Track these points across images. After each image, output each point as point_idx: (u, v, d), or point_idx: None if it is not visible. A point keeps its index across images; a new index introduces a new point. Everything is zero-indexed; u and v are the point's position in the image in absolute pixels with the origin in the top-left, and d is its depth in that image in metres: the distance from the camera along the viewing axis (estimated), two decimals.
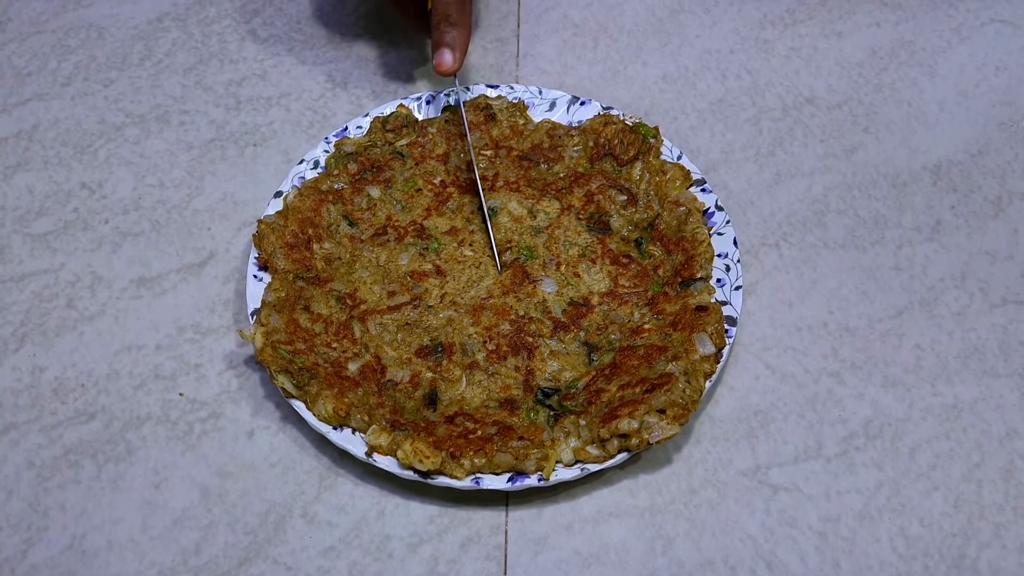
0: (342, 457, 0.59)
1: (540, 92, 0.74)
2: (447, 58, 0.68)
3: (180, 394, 0.61)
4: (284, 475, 0.58)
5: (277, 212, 0.66)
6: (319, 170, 0.70)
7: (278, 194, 0.68)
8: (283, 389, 0.58)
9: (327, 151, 0.71)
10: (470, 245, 0.66)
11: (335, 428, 0.58)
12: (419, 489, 0.58)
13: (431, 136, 0.72)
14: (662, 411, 0.56)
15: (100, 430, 0.60)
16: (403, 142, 0.71)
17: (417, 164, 0.71)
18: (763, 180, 0.71)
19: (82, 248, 0.69)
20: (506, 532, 0.57)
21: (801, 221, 0.69)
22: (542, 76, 0.78)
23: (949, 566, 0.55)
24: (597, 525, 0.57)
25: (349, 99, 0.77)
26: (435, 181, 0.70)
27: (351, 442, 0.57)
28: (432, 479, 0.56)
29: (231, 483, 0.58)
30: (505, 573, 0.55)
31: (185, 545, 0.56)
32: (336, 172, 0.69)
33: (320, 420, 0.57)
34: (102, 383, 0.62)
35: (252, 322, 0.62)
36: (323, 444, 0.60)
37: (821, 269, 0.67)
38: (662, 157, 0.69)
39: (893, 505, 0.57)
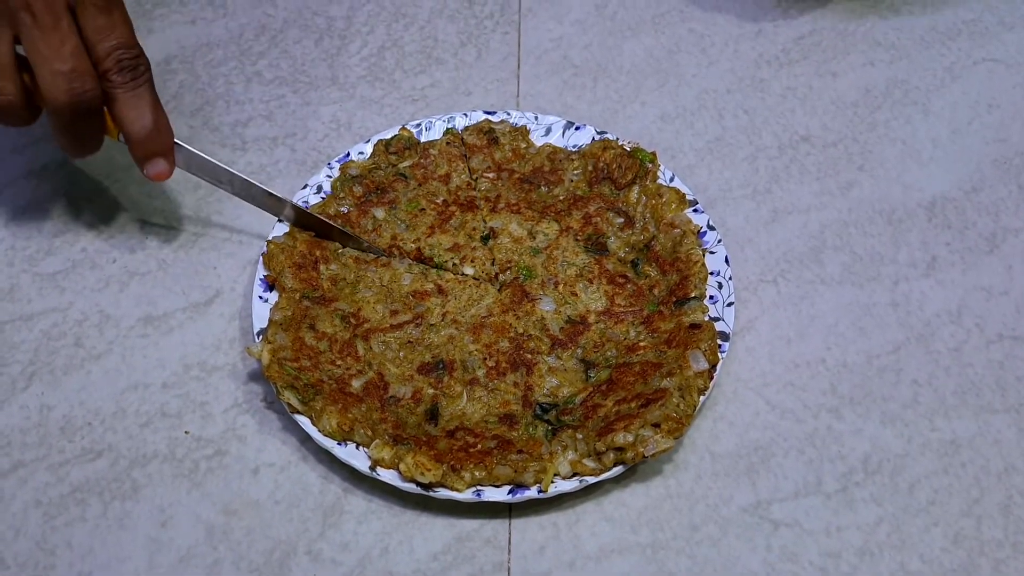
0: (346, 494, 0.60)
1: (536, 118, 0.76)
2: (161, 166, 0.65)
3: (186, 432, 0.62)
4: (288, 512, 0.59)
5: (286, 233, 0.69)
6: (322, 195, 0.72)
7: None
8: (288, 404, 0.60)
9: (329, 176, 0.73)
10: (471, 261, 0.68)
11: (339, 443, 0.59)
12: (422, 526, 0.58)
13: (433, 158, 0.74)
14: (657, 425, 0.57)
15: (106, 468, 0.61)
16: (406, 164, 0.74)
17: (420, 185, 0.73)
18: (760, 217, 0.73)
19: (90, 287, 0.70)
20: (509, 569, 0.57)
21: (798, 258, 0.70)
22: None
23: None
24: (600, 562, 0.57)
25: (353, 139, 0.78)
26: (437, 201, 0.72)
27: (355, 457, 0.58)
28: (434, 491, 0.57)
29: (236, 521, 0.59)
30: None
31: None
32: (342, 195, 0.71)
33: (324, 435, 0.59)
34: (109, 421, 0.63)
35: (257, 341, 0.63)
36: (328, 481, 0.60)
37: (819, 305, 0.68)
38: (658, 180, 0.71)
39: (893, 541, 0.57)
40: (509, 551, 0.58)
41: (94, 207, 0.74)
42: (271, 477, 0.60)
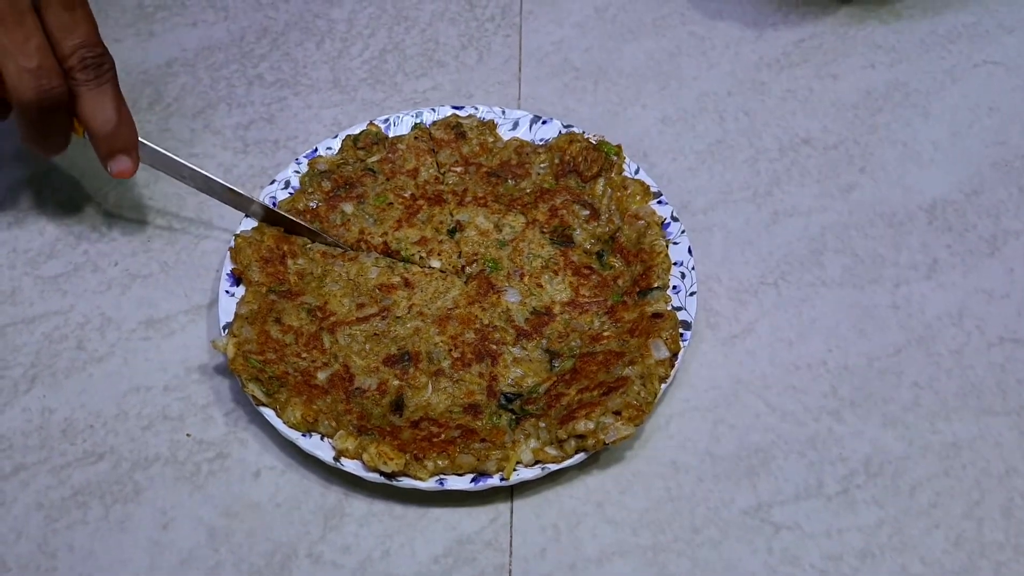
0: (347, 496, 0.60)
1: (504, 112, 0.76)
2: (125, 163, 0.65)
3: (188, 435, 0.62)
4: (289, 515, 0.59)
5: (254, 228, 0.69)
6: (291, 190, 0.72)
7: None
8: (253, 397, 0.60)
9: (297, 171, 0.73)
10: (438, 254, 0.69)
11: (304, 434, 0.59)
12: (424, 529, 0.58)
13: (401, 152, 0.74)
14: (618, 412, 0.58)
15: (108, 471, 0.61)
16: (374, 159, 0.74)
17: (388, 179, 0.73)
18: (761, 220, 0.73)
19: (92, 290, 0.70)
20: (510, 572, 0.57)
21: (799, 260, 0.70)
22: None
23: None
24: (601, 565, 0.57)
25: None
26: (405, 195, 0.72)
27: (319, 448, 0.59)
28: (397, 481, 0.57)
29: (237, 523, 0.59)
30: None
31: None
32: (311, 190, 0.72)
33: (289, 427, 0.59)
34: (111, 424, 0.63)
35: (224, 335, 0.63)
36: (328, 484, 0.60)
37: (820, 308, 0.68)
38: (624, 173, 0.71)
39: (894, 543, 0.57)
40: (510, 553, 0.58)
41: (96, 210, 0.74)
42: (272, 480, 0.60)
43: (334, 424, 0.59)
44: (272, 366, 0.61)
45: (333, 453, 0.58)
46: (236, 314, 0.64)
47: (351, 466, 0.58)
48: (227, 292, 0.66)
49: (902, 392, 0.63)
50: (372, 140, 0.74)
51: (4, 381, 0.65)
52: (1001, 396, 0.63)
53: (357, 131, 0.75)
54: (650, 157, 0.77)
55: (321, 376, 0.62)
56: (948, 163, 0.76)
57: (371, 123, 0.75)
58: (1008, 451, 0.61)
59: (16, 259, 0.71)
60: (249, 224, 0.70)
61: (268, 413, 0.60)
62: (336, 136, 0.75)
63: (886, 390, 0.64)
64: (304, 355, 0.63)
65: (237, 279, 0.67)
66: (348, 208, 0.71)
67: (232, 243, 0.68)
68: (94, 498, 0.60)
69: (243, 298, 0.65)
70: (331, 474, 0.60)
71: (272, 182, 0.72)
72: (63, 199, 0.75)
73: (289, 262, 0.68)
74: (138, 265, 0.71)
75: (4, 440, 0.62)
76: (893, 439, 0.61)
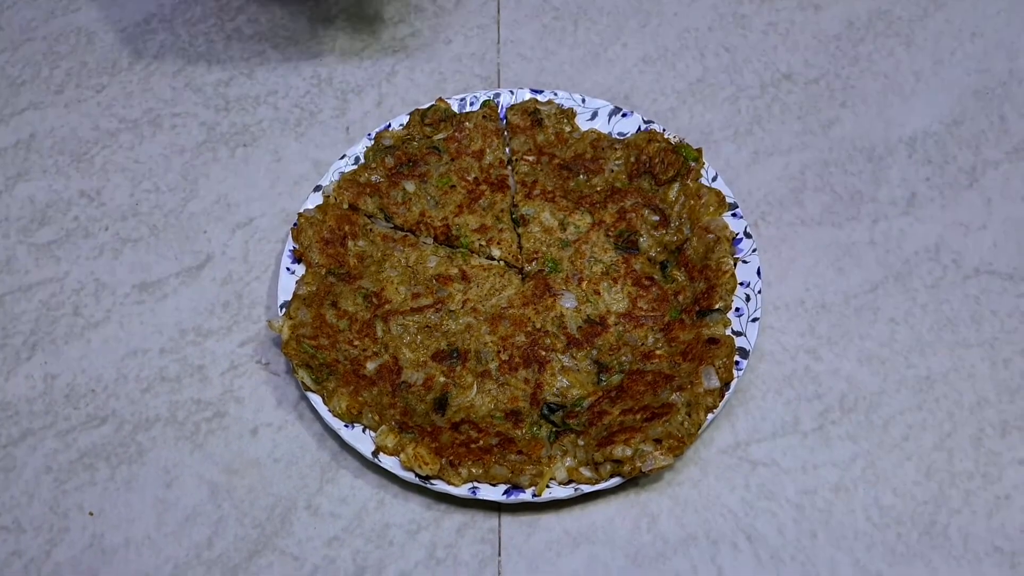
0: (343, 450, 0.62)
1: (584, 100, 0.74)
2: None
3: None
4: (288, 470, 0.62)
5: (317, 207, 0.69)
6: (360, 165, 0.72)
7: (317, 188, 0.70)
8: (302, 382, 0.61)
9: (368, 147, 0.72)
10: (498, 244, 0.68)
11: (347, 425, 0.60)
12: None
13: (468, 131, 0.73)
14: (659, 441, 0.57)
15: (111, 433, 0.63)
16: (440, 136, 0.73)
17: (452, 160, 0.72)
18: (741, 160, 0.73)
19: (84, 256, 0.71)
20: (499, 515, 0.60)
21: (778, 200, 0.71)
22: (523, 62, 0.80)
23: (921, 533, 0.58)
24: (585, 506, 0.59)
25: (335, 94, 0.78)
26: (469, 178, 0.71)
27: (360, 440, 0.60)
28: (431, 484, 0.58)
29: (238, 479, 0.61)
30: (499, 555, 0.58)
31: (198, 540, 0.59)
32: (374, 165, 0.71)
33: (334, 415, 0.60)
34: (111, 387, 0.65)
35: (281, 314, 0.64)
36: (324, 439, 0.62)
37: (798, 247, 0.69)
38: (700, 180, 0.69)
39: (867, 476, 0.60)
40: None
41: (83, 175, 0.75)
42: (269, 436, 0.63)
43: (377, 418, 0.60)
44: (324, 352, 0.62)
45: (372, 447, 0.59)
46: (294, 294, 0.64)
47: (388, 463, 0.59)
48: (288, 270, 0.66)
49: (878, 328, 0.65)
50: (440, 117, 0.73)
51: (6, 349, 0.67)
52: (975, 328, 0.65)
53: (426, 106, 0.73)
54: (631, 99, 0.77)
55: (370, 366, 0.63)
56: (930, 93, 0.75)
57: (440, 99, 0.74)
58: (980, 382, 0.62)
59: (9, 227, 0.73)
60: (312, 202, 0.69)
61: (315, 399, 0.61)
62: (407, 113, 0.74)
63: (863, 327, 0.65)
64: (356, 343, 0.63)
65: (297, 258, 0.67)
66: (410, 186, 0.70)
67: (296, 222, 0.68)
68: (100, 460, 0.62)
69: (302, 278, 0.65)
70: (325, 429, 0.63)
71: (342, 157, 0.72)
72: (50, 165, 0.76)
73: (350, 243, 0.68)
74: (128, 229, 0.72)
75: (10, 407, 0.65)
76: (869, 375, 0.63)
